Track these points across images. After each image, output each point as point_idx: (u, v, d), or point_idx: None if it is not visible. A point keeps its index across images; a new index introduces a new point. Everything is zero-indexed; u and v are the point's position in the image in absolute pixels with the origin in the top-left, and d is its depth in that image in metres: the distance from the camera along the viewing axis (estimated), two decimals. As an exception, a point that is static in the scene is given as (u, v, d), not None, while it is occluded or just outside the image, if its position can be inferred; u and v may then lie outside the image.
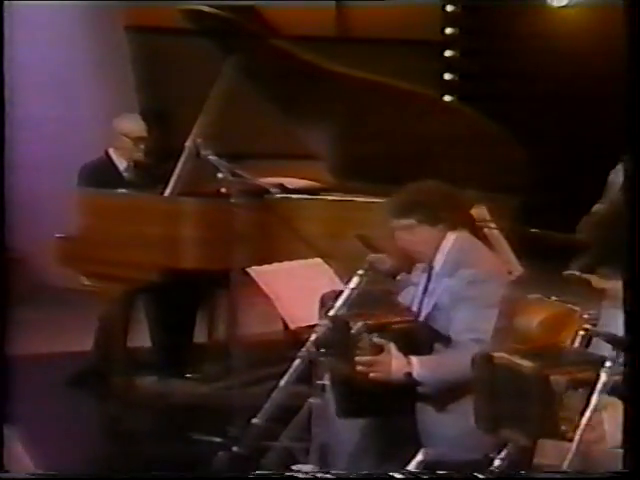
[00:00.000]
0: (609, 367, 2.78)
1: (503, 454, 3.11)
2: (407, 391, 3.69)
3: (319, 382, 3.71)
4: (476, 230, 4.05)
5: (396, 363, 3.64)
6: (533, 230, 4.66)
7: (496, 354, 3.14)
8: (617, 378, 2.81)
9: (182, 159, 5.43)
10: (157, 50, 7.79)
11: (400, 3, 8.29)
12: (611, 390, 2.86)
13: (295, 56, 5.59)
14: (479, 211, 4.25)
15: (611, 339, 2.89)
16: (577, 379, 2.86)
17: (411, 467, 3.70)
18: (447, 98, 8.29)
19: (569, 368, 2.92)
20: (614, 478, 2.65)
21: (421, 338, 3.74)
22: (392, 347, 3.65)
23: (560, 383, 2.89)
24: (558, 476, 2.74)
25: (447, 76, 8.63)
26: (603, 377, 2.75)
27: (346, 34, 8.43)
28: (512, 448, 3.07)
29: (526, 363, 3.01)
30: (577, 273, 3.12)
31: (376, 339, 3.62)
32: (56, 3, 7.65)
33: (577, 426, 2.72)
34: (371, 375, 3.64)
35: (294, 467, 4.07)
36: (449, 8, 8.67)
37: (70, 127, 7.49)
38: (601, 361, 2.82)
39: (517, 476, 2.78)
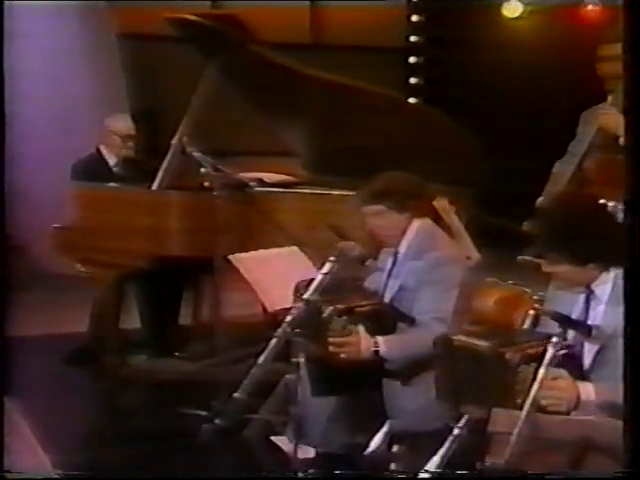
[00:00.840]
0: (555, 342, 2.79)
1: (461, 423, 3.13)
2: (375, 368, 3.71)
3: (294, 360, 3.67)
4: (438, 219, 4.06)
5: (364, 343, 3.66)
6: (489, 220, 4.68)
7: (455, 337, 3.15)
8: (563, 352, 2.83)
9: (169, 155, 5.42)
10: (146, 55, 7.75)
11: (368, 13, 8.32)
12: (560, 363, 2.88)
13: (272, 61, 5.57)
14: (441, 202, 4.25)
15: (556, 317, 2.91)
16: (528, 355, 2.88)
17: (378, 438, 3.72)
18: (412, 100, 8.28)
19: (521, 346, 2.94)
20: (614, 478, 2.58)
21: (386, 319, 3.76)
22: (360, 329, 3.67)
23: (514, 359, 2.91)
24: (560, 476, 2.71)
25: (412, 80, 8.62)
26: (550, 351, 2.76)
27: (320, 41, 8.41)
28: (470, 418, 3.09)
29: (483, 343, 3.03)
30: (529, 258, 3.12)
31: (345, 322, 3.64)
32: (54, 8, 7.62)
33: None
34: (342, 355, 3.66)
35: (272, 438, 4.08)
36: (414, 18, 8.64)
37: (65, 126, 7.42)
38: (548, 337, 2.83)
39: (521, 476, 2.70)
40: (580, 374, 2.97)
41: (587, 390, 2.91)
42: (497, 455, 2.68)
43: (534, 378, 2.76)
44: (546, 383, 2.77)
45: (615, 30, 5.24)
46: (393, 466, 3.74)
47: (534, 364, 2.86)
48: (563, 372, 2.88)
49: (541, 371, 2.74)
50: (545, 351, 2.77)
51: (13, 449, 3.24)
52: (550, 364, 2.73)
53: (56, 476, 3.46)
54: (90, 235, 5.48)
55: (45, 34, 7.62)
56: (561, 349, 2.77)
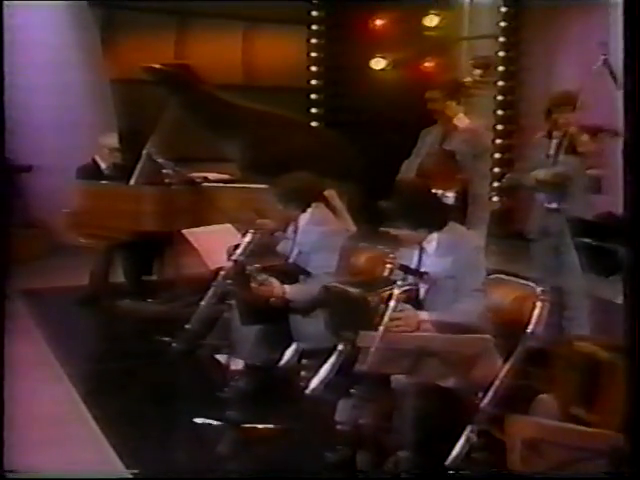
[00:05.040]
0: (399, 284, 2.77)
1: (343, 343, 3.05)
2: (284, 307, 3.66)
3: (228, 302, 3.58)
4: (327, 203, 4.00)
5: (276, 289, 3.63)
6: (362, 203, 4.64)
7: (334, 284, 3.11)
8: (406, 289, 2.78)
9: (141, 161, 5.35)
10: (128, 93, 7.50)
11: (281, 63, 8.33)
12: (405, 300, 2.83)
13: (216, 96, 5.53)
14: (330, 192, 4.18)
15: (400, 267, 2.92)
16: (384, 298, 2.82)
17: (287, 354, 3.65)
18: (313, 124, 8.28)
19: (379, 291, 2.89)
20: (615, 478, 2.16)
21: (291, 274, 3.73)
22: (273, 280, 3.64)
23: (375, 301, 2.86)
24: (560, 476, 2.34)
25: (313, 110, 8.60)
26: (396, 291, 2.72)
27: (249, 82, 8.32)
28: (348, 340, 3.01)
29: (353, 289, 2.99)
30: (386, 229, 3.10)
31: (264, 276, 3.61)
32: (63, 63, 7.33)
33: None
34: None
35: (217, 355, 3.97)
36: (313, 68, 8.61)
37: (72, 143, 7.13)
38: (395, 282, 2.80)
39: (523, 476, 2.34)
40: (418, 304, 2.97)
41: (423, 315, 2.92)
42: (363, 363, 2.61)
43: (387, 309, 2.70)
44: (396, 314, 2.73)
45: (435, 80, 5.28)
46: (303, 373, 3.67)
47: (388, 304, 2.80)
48: (408, 306, 2.87)
49: (391, 304, 2.70)
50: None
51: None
52: (397, 300, 2.68)
53: (57, 475, 3.19)
54: (89, 217, 5.40)
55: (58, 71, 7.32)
56: (404, 289, 2.74)
